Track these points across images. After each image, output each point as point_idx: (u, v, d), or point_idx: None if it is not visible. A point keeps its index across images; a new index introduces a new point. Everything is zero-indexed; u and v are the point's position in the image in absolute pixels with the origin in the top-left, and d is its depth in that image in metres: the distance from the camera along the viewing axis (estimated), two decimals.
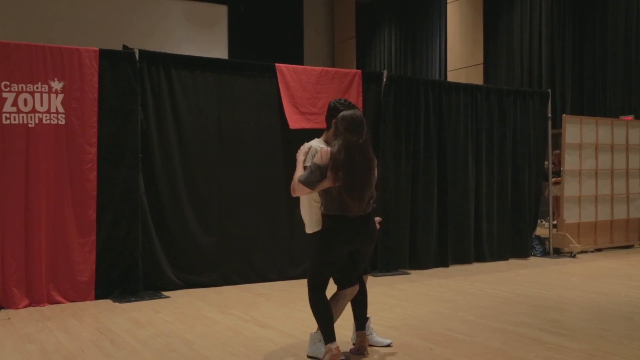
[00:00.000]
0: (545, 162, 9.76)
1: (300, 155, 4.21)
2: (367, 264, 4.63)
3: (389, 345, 4.53)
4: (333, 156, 4.00)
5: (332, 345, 4.05)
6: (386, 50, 18.52)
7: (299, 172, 4.09)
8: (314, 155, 4.13)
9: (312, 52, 19.63)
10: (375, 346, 4.53)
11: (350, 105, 4.31)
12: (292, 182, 4.06)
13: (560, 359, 4.23)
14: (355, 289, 4.32)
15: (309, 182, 4.00)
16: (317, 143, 4.28)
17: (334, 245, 4.12)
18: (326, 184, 4.03)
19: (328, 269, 4.20)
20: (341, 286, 4.31)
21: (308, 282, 4.24)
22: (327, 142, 4.26)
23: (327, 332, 4.10)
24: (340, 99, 4.44)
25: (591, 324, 5.23)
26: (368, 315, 4.56)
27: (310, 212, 4.28)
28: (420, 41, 17.32)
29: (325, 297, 4.20)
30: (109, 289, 6.32)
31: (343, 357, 4.20)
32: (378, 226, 4.42)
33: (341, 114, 4.13)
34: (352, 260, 4.26)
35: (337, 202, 4.07)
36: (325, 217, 4.15)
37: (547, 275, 7.79)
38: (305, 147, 4.26)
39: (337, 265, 4.21)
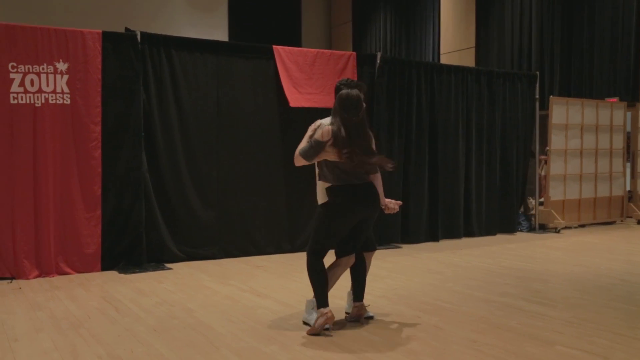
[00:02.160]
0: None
1: (309, 130, 4.47)
2: (373, 241, 4.77)
3: (371, 318, 4.70)
4: (334, 133, 4.25)
5: (325, 310, 4.27)
6: (381, 34, 18.71)
7: (303, 145, 4.37)
8: None
9: (309, 36, 19.82)
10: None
11: (352, 84, 4.49)
12: (295, 153, 4.37)
13: (540, 325, 4.49)
14: (351, 259, 4.53)
15: (307, 155, 4.30)
16: (327, 120, 4.49)
17: (339, 215, 4.36)
18: (324, 156, 4.30)
19: (331, 239, 4.42)
20: (338, 255, 4.53)
21: (309, 247, 4.44)
22: None
23: (321, 297, 4.33)
24: (343, 79, 4.63)
25: (571, 294, 5.51)
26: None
27: (319, 185, 4.56)
28: (415, 25, 17.52)
29: (323, 264, 4.41)
30: (115, 261, 6.57)
31: (328, 327, 4.38)
32: (397, 208, 4.70)
33: (339, 93, 4.37)
34: (354, 231, 4.45)
35: (341, 173, 4.32)
36: (331, 189, 4.40)
37: (532, 249, 8.10)
38: (316, 123, 4.51)
39: (341, 236, 4.42)
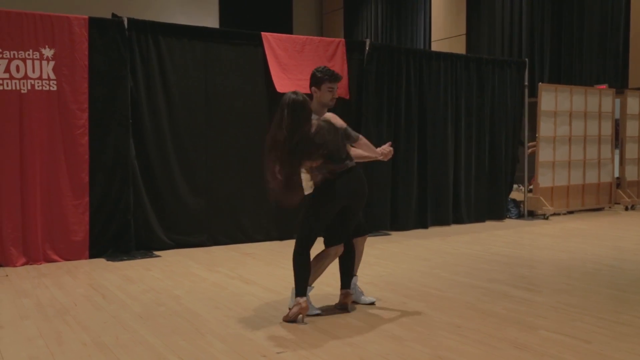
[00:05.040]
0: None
1: None
2: (364, 225, 4.77)
3: (372, 304, 4.71)
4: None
5: (301, 299, 4.25)
6: (372, 22, 18.71)
7: None
8: None
9: (300, 23, 19.77)
10: (359, 304, 4.70)
11: (327, 73, 4.45)
12: None
13: (525, 311, 4.53)
14: (339, 248, 4.48)
15: None
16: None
17: (324, 201, 4.32)
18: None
19: (317, 226, 4.38)
20: (327, 244, 4.49)
21: (298, 237, 4.41)
22: (314, 111, 4.37)
23: (299, 286, 4.30)
24: (319, 67, 4.56)
25: (557, 280, 5.56)
26: (355, 274, 4.75)
27: (304, 178, 4.51)
28: (406, 12, 17.52)
29: (308, 255, 4.37)
30: (103, 249, 6.56)
31: (318, 312, 4.43)
32: (391, 150, 4.69)
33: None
34: (340, 219, 4.40)
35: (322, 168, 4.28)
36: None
37: (520, 235, 8.15)
38: None
39: (326, 223, 4.38)
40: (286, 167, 4.13)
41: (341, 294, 4.60)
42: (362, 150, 4.56)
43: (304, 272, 4.34)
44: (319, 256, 4.50)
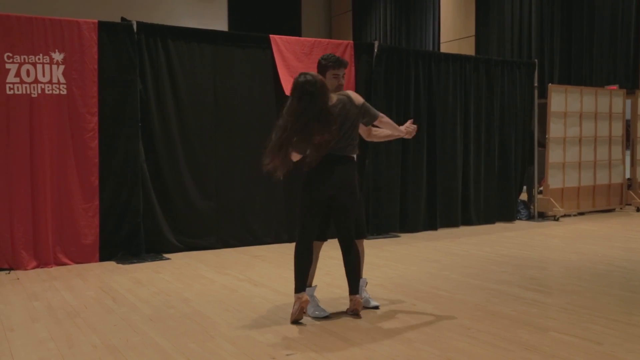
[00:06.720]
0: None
1: None
2: (364, 228, 4.69)
3: (375, 308, 4.65)
4: (277, 126, 4.21)
5: (300, 295, 4.27)
6: (381, 24, 18.69)
7: None
8: None
9: (309, 26, 19.79)
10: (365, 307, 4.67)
11: (331, 59, 4.42)
12: None
13: (535, 312, 4.51)
14: (318, 245, 4.50)
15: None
16: None
17: (308, 189, 4.32)
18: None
19: (307, 216, 4.35)
20: (318, 239, 4.51)
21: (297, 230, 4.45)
22: None
23: (298, 281, 4.30)
24: (325, 55, 4.53)
25: (568, 281, 5.53)
26: (364, 277, 4.71)
27: None
28: (415, 14, 17.49)
29: (309, 249, 4.36)
30: (113, 252, 6.59)
31: (327, 314, 4.42)
32: (415, 127, 4.63)
33: (295, 79, 4.23)
34: (333, 213, 4.39)
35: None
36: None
37: (531, 237, 8.10)
38: None
39: (316, 215, 4.35)
40: (288, 134, 4.12)
41: (350, 301, 4.53)
42: (385, 128, 4.57)
43: (301, 268, 4.32)
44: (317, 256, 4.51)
